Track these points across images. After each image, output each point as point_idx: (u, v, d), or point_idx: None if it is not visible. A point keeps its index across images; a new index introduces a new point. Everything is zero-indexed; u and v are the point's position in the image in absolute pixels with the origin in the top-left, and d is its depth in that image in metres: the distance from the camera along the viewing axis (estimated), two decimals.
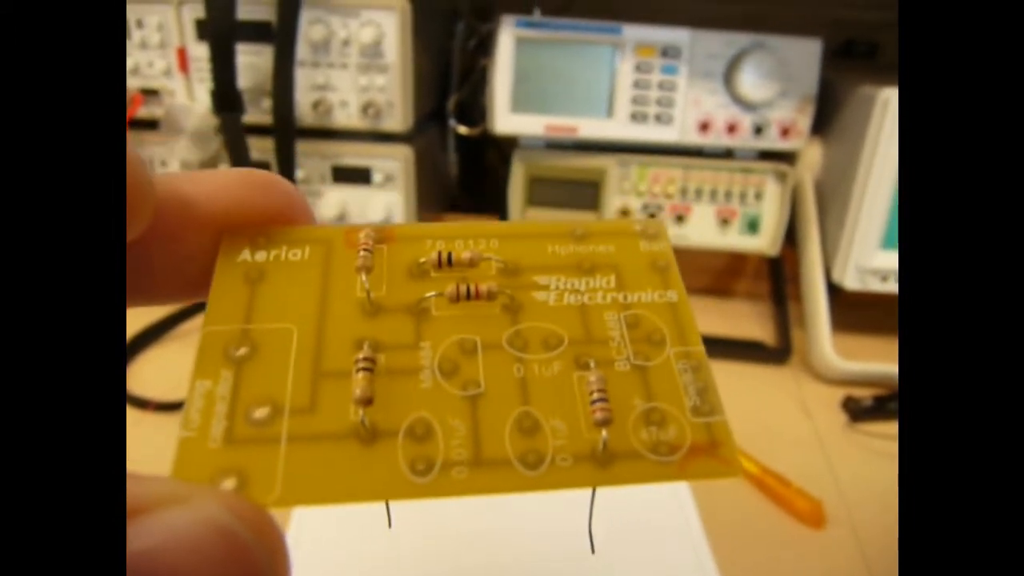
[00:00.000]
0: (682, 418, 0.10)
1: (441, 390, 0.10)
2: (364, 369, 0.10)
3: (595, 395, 0.10)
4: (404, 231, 0.12)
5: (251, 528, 0.08)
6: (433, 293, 0.11)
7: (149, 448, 0.36)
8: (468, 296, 0.11)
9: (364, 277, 0.11)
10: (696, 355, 0.11)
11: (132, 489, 0.07)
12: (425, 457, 0.10)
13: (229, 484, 0.09)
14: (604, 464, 0.10)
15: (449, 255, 0.12)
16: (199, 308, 0.48)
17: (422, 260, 0.12)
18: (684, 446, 0.10)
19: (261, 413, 0.10)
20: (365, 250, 0.11)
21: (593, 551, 0.12)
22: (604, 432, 0.10)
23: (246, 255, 0.11)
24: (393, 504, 0.10)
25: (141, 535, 0.07)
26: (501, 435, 0.10)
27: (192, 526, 0.07)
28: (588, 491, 0.10)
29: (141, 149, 0.47)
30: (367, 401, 0.10)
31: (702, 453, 0.10)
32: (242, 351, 0.10)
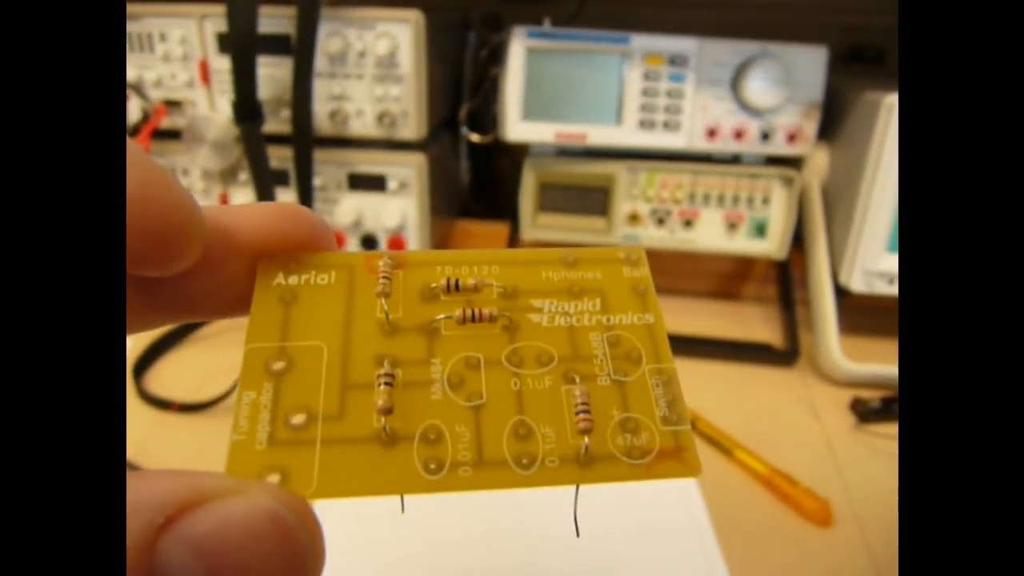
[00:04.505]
0: (653, 426, 0.12)
1: (450, 401, 0.12)
2: (386, 383, 0.12)
3: (579, 406, 0.12)
4: (417, 257, 0.14)
5: (295, 515, 0.09)
6: (443, 316, 0.13)
7: (173, 447, 0.37)
8: (473, 319, 0.13)
9: (384, 302, 0.13)
10: (668, 371, 0.13)
11: (199, 483, 0.09)
12: (436, 458, 0.11)
13: (274, 479, 0.11)
14: (586, 465, 0.11)
15: (456, 282, 0.13)
16: None
17: (433, 285, 0.13)
18: (654, 450, 0.12)
19: (298, 419, 0.11)
20: (384, 277, 0.13)
21: (578, 535, 0.13)
22: (586, 439, 0.12)
23: (280, 279, 0.13)
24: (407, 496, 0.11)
25: (208, 519, 0.08)
26: (500, 440, 0.12)
27: (249, 512, 0.09)
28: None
29: (164, 158, 0.49)
30: (388, 411, 0.11)
31: (669, 457, 0.12)
32: (280, 365, 0.12)
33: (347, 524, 0.30)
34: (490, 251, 0.14)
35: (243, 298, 0.13)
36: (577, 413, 0.12)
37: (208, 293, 0.13)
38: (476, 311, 0.13)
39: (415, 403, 0.12)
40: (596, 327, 0.13)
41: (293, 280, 0.13)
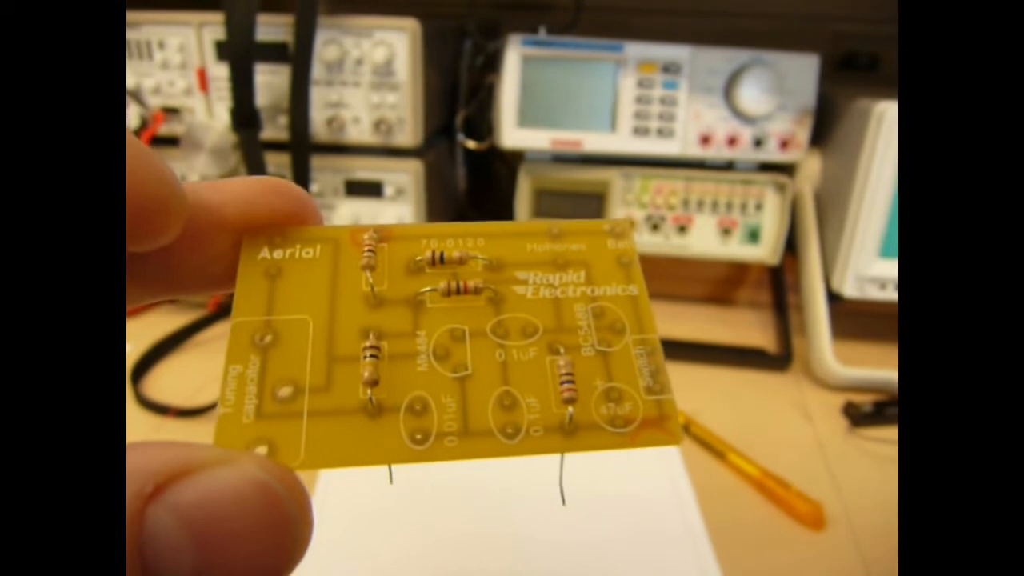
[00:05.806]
0: (636, 396, 0.12)
1: (435, 372, 0.12)
2: (371, 355, 0.12)
3: (564, 377, 0.12)
4: (402, 231, 0.14)
5: (283, 485, 0.09)
6: (428, 288, 0.13)
7: None
8: (458, 291, 0.13)
9: (369, 274, 0.13)
10: (651, 342, 0.13)
11: (188, 453, 0.09)
12: (422, 429, 0.11)
13: (262, 451, 0.11)
14: (570, 434, 0.12)
15: (441, 254, 0.13)
16: (215, 319, 0.49)
17: (418, 258, 0.13)
18: (637, 419, 0.12)
19: (285, 392, 0.11)
20: (369, 250, 0.13)
21: (564, 503, 0.13)
22: (570, 408, 0.12)
23: (265, 253, 0.13)
24: (395, 466, 0.11)
25: (195, 488, 0.08)
26: (485, 410, 0.12)
27: (237, 481, 0.09)
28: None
29: None
30: (374, 383, 0.11)
31: (651, 426, 0.12)
32: (266, 339, 0.12)
33: (341, 524, 0.31)
34: (475, 224, 0.14)
35: (229, 273, 0.13)
36: (561, 383, 0.12)
37: (194, 269, 0.13)
38: (461, 283, 0.13)
39: (401, 375, 0.12)
40: (580, 299, 0.13)
41: (278, 254, 0.13)
